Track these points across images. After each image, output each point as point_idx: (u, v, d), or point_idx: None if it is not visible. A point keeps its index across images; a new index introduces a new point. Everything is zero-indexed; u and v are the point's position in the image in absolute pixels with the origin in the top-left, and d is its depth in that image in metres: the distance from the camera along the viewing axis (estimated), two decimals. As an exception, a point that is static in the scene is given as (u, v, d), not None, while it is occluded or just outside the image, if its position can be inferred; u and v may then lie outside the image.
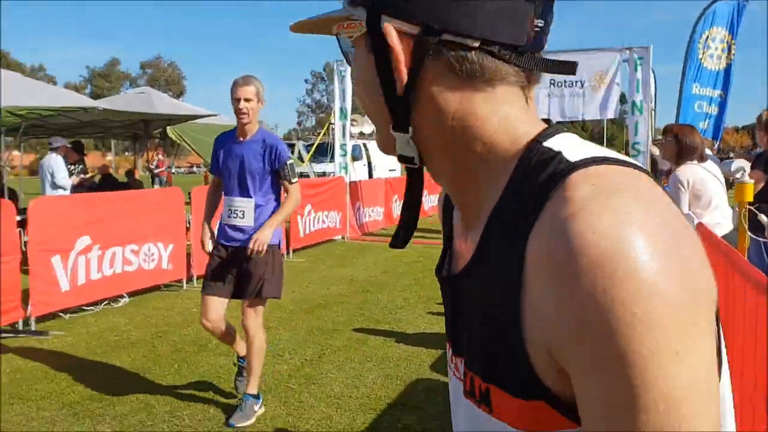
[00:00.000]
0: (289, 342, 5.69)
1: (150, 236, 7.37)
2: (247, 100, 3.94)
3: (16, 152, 19.47)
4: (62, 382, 4.73)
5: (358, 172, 17.30)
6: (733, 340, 2.21)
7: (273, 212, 4.04)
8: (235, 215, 4.05)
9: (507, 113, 0.70)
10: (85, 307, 6.72)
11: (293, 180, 4.03)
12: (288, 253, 10.03)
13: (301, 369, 4.97)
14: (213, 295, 4.01)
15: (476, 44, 0.67)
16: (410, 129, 0.73)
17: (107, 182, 11.35)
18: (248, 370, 4.08)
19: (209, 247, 4.11)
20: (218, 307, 4.01)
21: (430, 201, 16.83)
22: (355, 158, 17.40)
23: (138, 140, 14.58)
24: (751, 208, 3.46)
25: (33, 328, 6.04)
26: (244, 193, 4.04)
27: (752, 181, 3.20)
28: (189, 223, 8.17)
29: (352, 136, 14.40)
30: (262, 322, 4.06)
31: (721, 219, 4.60)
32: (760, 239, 4.03)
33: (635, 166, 0.65)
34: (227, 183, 4.09)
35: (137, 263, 7.24)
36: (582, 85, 10.55)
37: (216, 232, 4.18)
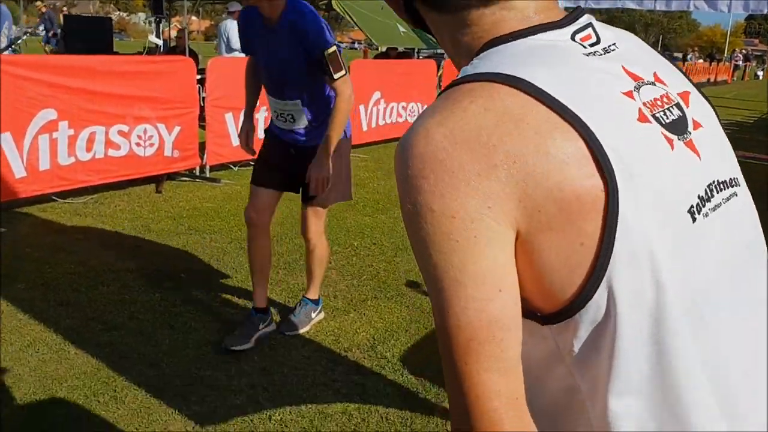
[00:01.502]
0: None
1: (310, 103, 7.90)
2: None
3: (194, 17, 20.72)
4: (231, 221, 5.45)
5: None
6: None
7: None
8: (284, 119, 3.24)
9: (473, 33, 0.85)
10: (251, 162, 7.46)
11: (336, 75, 3.00)
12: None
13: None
14: (264, 186, 3.31)
15: None
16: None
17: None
18: (309, 276, 3.57)
19: (249, 147, 3.48)
20: (269, 200, 3.32)
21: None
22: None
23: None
24: None
25: (207, 175, 6.86)
26: (288, 94, 3.15)
27: None
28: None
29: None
30: (324, 230, 3.45)
31: None
32: None
33: (494, 78, 0.76)
34: (265, 81, 3.27)
35: (298, 127, 7.84)
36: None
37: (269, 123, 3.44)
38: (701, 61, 33.03)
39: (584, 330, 0.76)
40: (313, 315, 3.58)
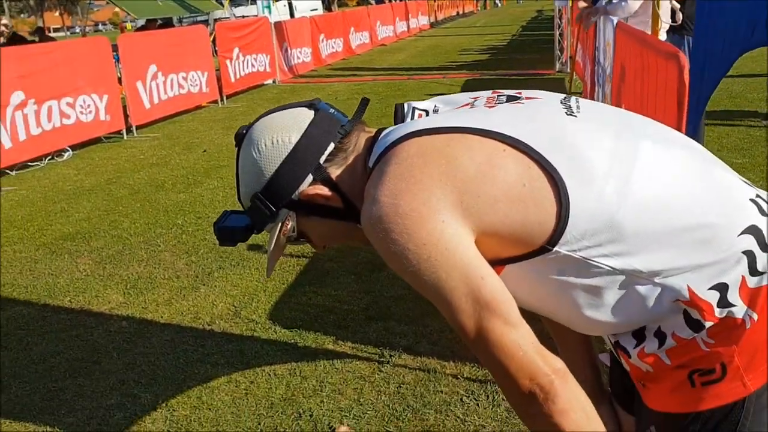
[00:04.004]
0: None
1: (83, 88, 7.30)
2: None
3: None
4: (31, 227, 4.94)
5: (279, 12, 16.83)
6: (651, 104, 2.63)
7: None
8: None
9: (354, 169, 1.12)
10: (30, 163, 6.77)
11: None
12: (222, 99, 10.04)
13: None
14: None
15: (328, 152, 1.10)
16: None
17: (17, 42, 10.78)
18: None
19: None
20: None
21: (357, 39, 16.66)
22: (275, -2, 16.84)
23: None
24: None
25: (-16, 185, 6.12)
26: None
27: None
28: (120, 74, 8.09)
29: (271, -25, 13.88)
30: None
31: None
32: (671, 23, 4.50)
33: (405, 137, 1.00)
34: None
35: (75, 116, 7.22)
36: None
37: None
38: (448, -5, 34.97)
39: (584, 222, 0.94)
40: None
